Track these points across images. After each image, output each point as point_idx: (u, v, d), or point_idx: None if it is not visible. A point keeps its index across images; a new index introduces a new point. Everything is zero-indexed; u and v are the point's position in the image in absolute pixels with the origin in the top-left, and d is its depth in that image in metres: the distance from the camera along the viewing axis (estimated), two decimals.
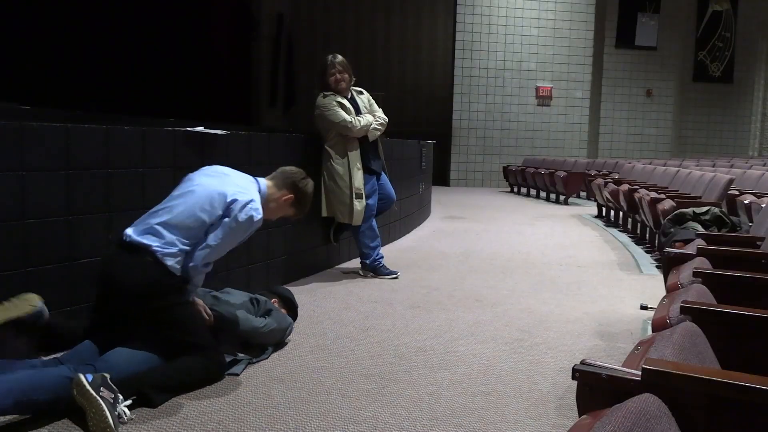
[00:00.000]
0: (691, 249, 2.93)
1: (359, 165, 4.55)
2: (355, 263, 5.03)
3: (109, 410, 2.08)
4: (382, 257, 4.82)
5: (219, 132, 3.64)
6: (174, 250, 2.53)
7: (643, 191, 6.30)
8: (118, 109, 4.67)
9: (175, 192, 2.70)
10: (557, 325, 3.63)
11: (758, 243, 3.03)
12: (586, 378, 1.30)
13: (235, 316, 2.85)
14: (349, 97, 4.59)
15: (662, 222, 4.54)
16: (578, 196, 12.41)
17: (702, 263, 2.53)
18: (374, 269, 4.75)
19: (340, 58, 4.55)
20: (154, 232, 2.54)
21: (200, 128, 3.51)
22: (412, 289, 4.41)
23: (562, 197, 11.84)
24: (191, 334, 2.59)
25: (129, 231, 2.56)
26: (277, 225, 4.31)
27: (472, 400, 2.52)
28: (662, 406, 1.09)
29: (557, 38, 15.92)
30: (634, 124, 16.68)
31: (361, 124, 4.50)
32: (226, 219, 2.60)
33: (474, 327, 3.54)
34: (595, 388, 1.28)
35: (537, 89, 15.97)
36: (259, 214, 2.67)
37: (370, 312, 3.80)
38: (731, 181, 5.37)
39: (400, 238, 6.70)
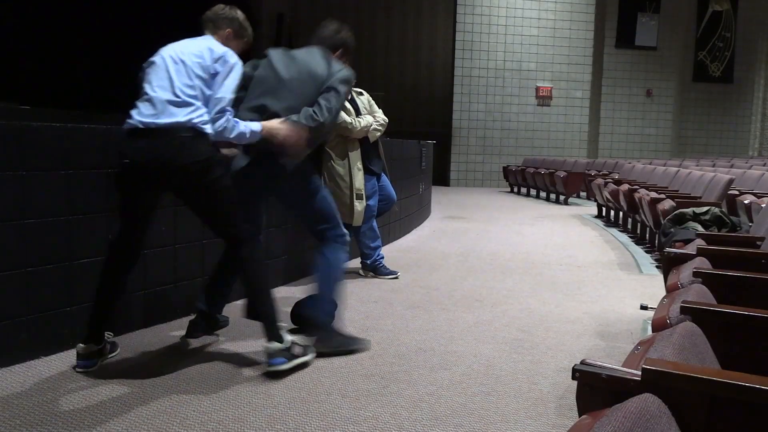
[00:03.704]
0: (691, 249, 2.93)
1: (360, 166, 4.54)
2: (356, 263, 5.02)
3: None
4: (383, 257, 4.82)
5: None
6: (206, 117, 2.54)
7: (643, 191, 6.30)
8: (117, 109, 4.66)
9: (158, 73, 2.61)
10: (557, 325, 3.63)
11: (758, 243, 3.02)
12: (586, 378, 1.30)
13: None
14: (348, 98, 4.59)
15: (662, 222, 4.54)
16: (578, 196, 12.41)
17: (702, 263, 2.52)
18: (375, 269, 4.76)
19: None
20: (179, 104, 2.51)
21: None
22: (412, 289, 4.41)
23: (562, 197, 11.84)
24: (230, 216, 2.67)
25: (143, 118, 2.50)
26: (277, 225, 4.31)
27: (472, 400, 2.52)
28: (662, 406, 1.09)
29: (557, 38, 15.93)
30: (634, 124, 16.69)
31: (362, 125, 4.50)
32: (221, 70, 2.61)
33: (474, 327, 3.54)
34: (595, 388, 1.28)
35: (537, 89, 15.98)
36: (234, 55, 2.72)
37: (370, 312, 3.80)
38: (731, 181, 5.36)
39: (400, 238, 6.70)
